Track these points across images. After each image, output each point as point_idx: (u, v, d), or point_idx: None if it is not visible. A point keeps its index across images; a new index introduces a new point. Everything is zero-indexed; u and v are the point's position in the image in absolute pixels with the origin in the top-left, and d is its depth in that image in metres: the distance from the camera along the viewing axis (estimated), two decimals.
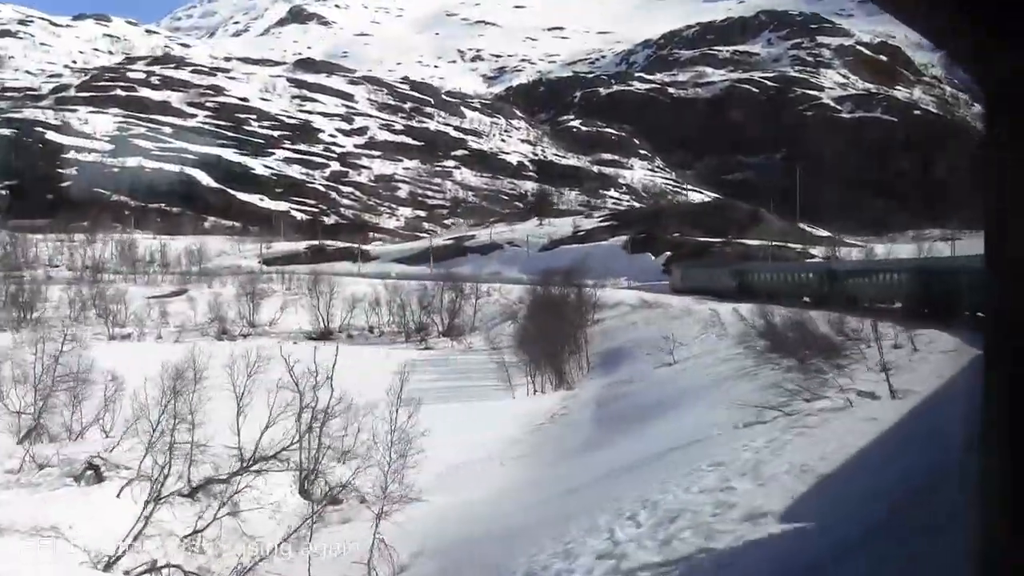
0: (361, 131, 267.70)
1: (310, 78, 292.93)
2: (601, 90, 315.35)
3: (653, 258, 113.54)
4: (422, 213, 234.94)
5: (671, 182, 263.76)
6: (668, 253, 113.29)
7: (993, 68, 3.59)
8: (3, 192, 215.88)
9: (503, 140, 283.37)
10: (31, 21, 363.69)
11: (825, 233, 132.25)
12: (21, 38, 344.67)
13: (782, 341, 37.07)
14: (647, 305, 74.85)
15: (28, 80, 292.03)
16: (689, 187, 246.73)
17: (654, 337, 54.25)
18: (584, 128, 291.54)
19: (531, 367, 60.55)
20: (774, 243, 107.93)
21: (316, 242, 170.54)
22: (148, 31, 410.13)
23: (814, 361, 31.12)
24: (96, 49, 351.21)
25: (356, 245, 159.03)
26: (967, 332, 33.17)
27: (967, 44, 3.74)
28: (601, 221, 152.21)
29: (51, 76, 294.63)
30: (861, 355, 30.73)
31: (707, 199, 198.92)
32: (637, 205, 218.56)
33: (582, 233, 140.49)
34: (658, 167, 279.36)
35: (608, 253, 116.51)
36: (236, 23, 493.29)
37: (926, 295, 51.42)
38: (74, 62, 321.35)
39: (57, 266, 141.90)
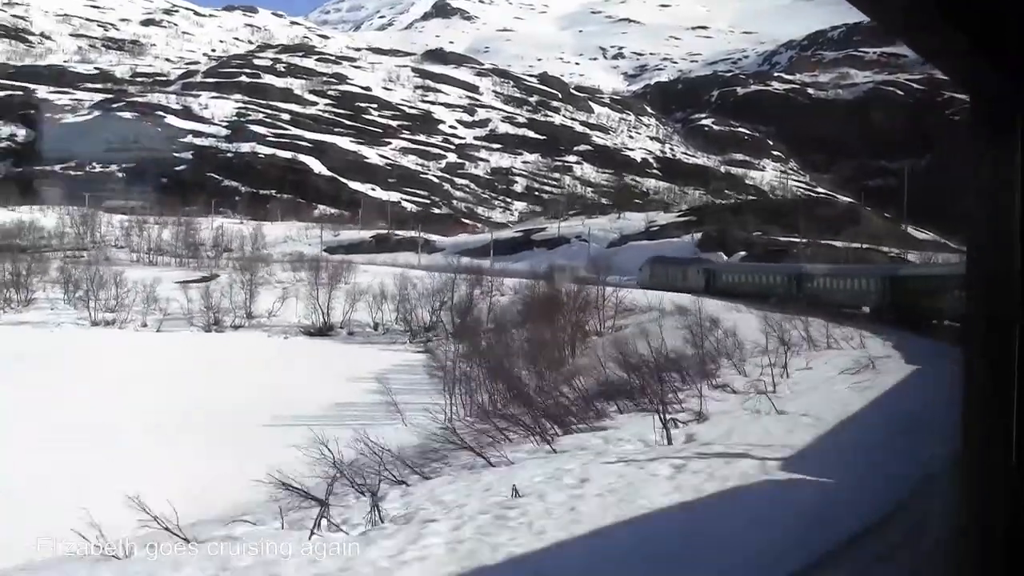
0: (482, 123, 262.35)
1: (436, 69, 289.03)
2: (739, 89, 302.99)
3: (725, 257, 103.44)
4: (537, 208, 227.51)
5: (804, 185, 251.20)
6: (742, 253, 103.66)
7: (982, 86, 3.94)
8: (120, 174, 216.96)
9: (631, 136, 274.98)
10: (176, 11, 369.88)
11: (928, 236, 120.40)
12: (165, 27, 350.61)
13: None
14: (681, 311, 63.76)
15: (163, 67, 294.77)
16: (823, 191, 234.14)
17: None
18: (716, 127, 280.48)
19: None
20: (864, 246, 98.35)
21: (383, 231, 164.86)
22: (293, 22, 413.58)
23: None
24: (236, 39, 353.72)
25: (419, 235, 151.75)
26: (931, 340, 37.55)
27: (958, 63, 4.17)
28: (678, 216, 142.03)
29: (189, 64, 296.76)
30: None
31: (812, 197, 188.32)
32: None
33: (655, 228, 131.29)
34: (791, 169, 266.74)
35: (677, 250, 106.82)
36: (382, 17, 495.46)
37: (895, 302, 54.85)
38: (213, 51, 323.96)
39: (123, 247, 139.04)
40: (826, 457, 18.04)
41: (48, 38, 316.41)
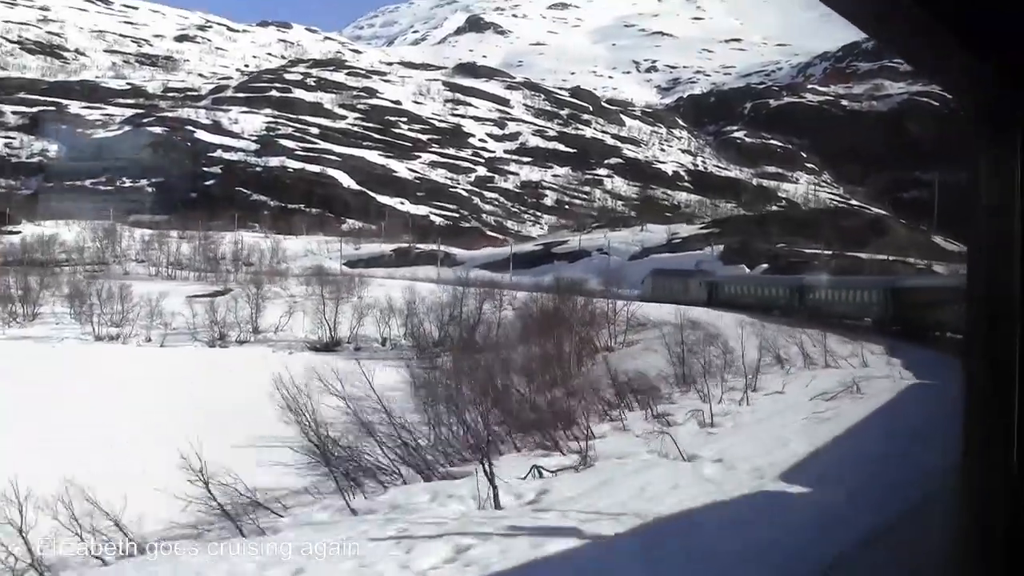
0: (512, 136, 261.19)
1: (467, 82, 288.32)
2: (772, 102, 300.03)
3: (748, 270, 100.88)
4: (566, 221, 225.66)
5: (838, 198, 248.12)
6: (765, 265, 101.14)
7: (981, 91, 3.95)
8: (149, 189, 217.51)
9: (662, 149, 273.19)
10: (210, 26, 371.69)
11: (957, 247, 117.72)
12: (198, 43, 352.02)
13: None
14: (694, 326, 60.05)
15: (195, 82, 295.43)
16: (857, 203, 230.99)
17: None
18: (749, 140, 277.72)
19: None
20: (890, 257, 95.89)
21: (405, 244, 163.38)
22: (327, 38, 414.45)
23: None
24: (269, 54, 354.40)
25: (439, 248, 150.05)
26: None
27: (955, 75, 4.22)
28: (701, 228, 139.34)
29: (222, 79, 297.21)
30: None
31: (838, 207, 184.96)
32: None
33: (678, 240, 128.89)
34: (824, 181, 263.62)
35: (697, 263, 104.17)
36: (415, 32, 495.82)
37: (897, 313, 54.55)
38: (246, 66, 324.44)
39: (143, 261, 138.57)
40: (674, 549, 12.56)
41: (82, 54, 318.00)
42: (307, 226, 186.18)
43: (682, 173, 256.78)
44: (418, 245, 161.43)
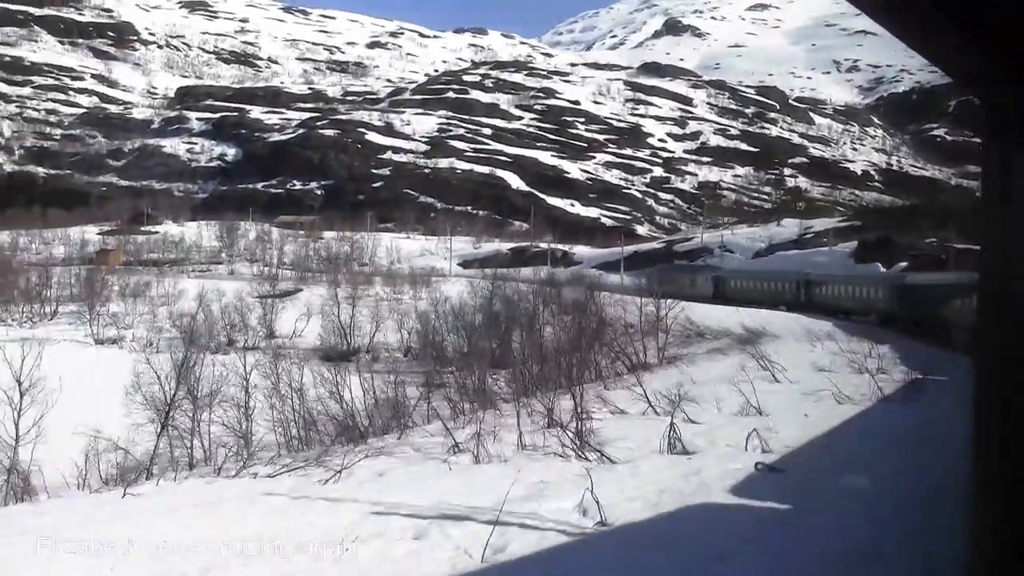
0: (693, 136, 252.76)
1: (650, 82, 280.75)
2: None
3: (883, 269, 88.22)
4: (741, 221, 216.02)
5: None
6: (904, 264, 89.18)
7: (993, 95, 4.05)
8: (318, 192, 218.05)
9: (853, 148, 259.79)
10: (402, 33, 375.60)
11: None
12: (390, 49, 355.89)
13: None
14: (751, 337, 47.60)
15: (376, 86, 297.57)
16: None
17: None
18: (950, 138, 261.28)
19: None
20: None
21: (523, 244, 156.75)
22: (522, 42, 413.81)
23: None
24: (459, 59, 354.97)
25: (549, 246, 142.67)
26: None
27: (970, 72, 4.28)
28: (840, 221, 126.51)
29: (409, 83, 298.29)
30: None
31: None
32: None
33: (809, 236, 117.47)
34: None
35: (827, 261, 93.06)
36: (613, 36, 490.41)
37: (904, 310, 54.40)
38: (436, 71, 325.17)
39: (256, 261, 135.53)
40: None
41: (275, 62, 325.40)
42: (473, 228, 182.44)
43: (872, 172, 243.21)
44: (537, 244, 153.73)
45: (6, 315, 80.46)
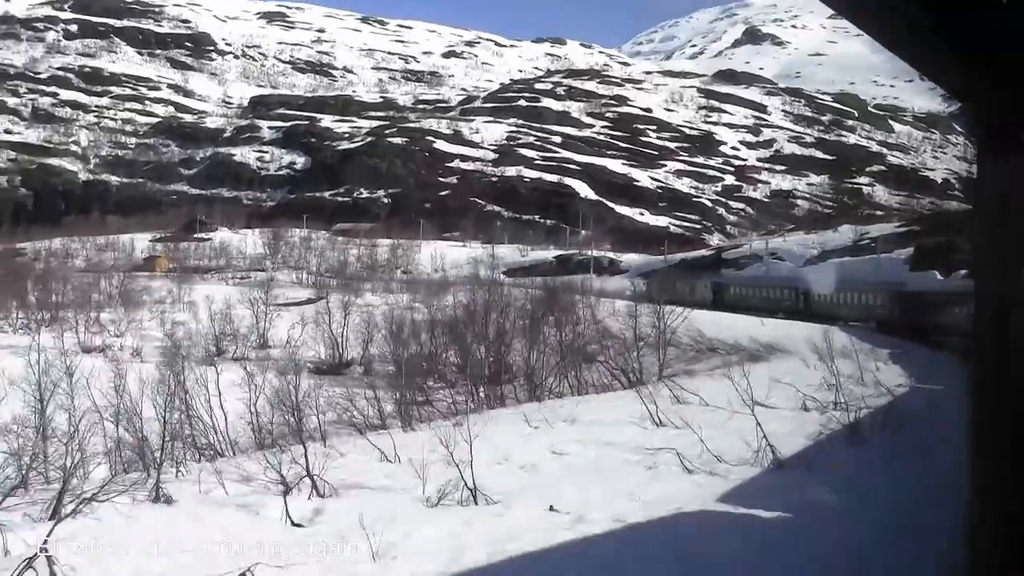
0: (767, 143, 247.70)
1: (724, 89, 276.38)
2: None
3: (940, 278, 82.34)
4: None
5: None
6: (963, 272, 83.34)
7: (984, 102, 4.03)
8: (385, 200, 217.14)
9: (934, 157, 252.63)
10: (478, 42, 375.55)
11: None
12: (465, 58, 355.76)
13: None
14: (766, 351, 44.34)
15: (448, 94, 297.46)
16: None
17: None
18: None
19: None
20: None
21: (569, 252, 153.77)
22: (601, 51, 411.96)
23: None
24: (535, 68, 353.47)
25: (592, 254, 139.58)
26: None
27: (961, 82, 4.33)
28: (898, 227, 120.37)
29: (483, 92, 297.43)
30: None
31: None
32: None
33: (865, 243, 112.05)
34: None
35: (880, 268, 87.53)
36: (693, 46, 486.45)
37: (902, 317, 55.21)
38: (511, 80, 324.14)
39: (301, 268, 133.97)
40: None
41: (350, 71, 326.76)
42: (536, 237, 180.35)
43: (952, 180, 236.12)
44: (583, 252, 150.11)
45: (3, 322, 78.96)
